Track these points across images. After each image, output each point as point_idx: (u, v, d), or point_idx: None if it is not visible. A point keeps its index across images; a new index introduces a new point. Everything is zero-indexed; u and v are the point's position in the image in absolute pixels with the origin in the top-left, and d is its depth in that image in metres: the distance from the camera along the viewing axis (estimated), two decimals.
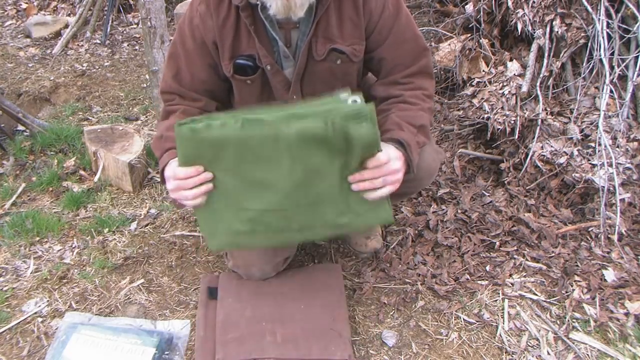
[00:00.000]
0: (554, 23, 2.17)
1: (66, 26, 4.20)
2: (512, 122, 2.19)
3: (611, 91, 2.06)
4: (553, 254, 1.97)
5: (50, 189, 2.37)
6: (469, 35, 2.47)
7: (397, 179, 1.35)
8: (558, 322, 1.74)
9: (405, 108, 1.50)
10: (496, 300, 1.82)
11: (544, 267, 1.93)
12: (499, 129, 2.22)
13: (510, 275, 1.91)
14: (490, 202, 2.21)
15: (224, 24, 1.44)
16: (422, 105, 1.52)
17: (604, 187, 1.98)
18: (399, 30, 1.49)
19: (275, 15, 1.36)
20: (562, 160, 2.10)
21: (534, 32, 2.21)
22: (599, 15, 2.07)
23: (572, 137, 2.11)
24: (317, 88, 1.54)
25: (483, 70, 2.38)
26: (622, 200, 2.00)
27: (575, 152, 2.09)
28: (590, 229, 2.04)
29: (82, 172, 2.47)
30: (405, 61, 1.53)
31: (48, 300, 1.82)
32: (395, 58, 1.52)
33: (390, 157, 1.33)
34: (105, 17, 4.24)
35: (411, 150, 1.40)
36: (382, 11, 1.45)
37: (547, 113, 2.18)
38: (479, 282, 1.89)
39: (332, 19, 1.44)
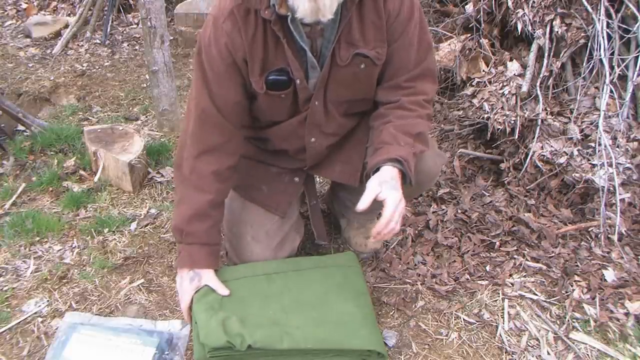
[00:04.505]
0: (554, 23, 2.17)
1: (66, 26, 4.21)
2: (512, 122, 2.19)
3: (611, 91, 2.06)
4: (553, 254, 1.97)
5: (50, 189, 2.37)
6: (469, 35, 2.47)
7: (402, 209, 1.44)
8: (558, 322, 1.74)
9: (402, 115, 1.51)
10: (496, 300, 1.82)
11: (544, 267, 1.93)
12: (499, 129, 2.22)
13: (510, 275, 1.91)
14: (490, 202, 2.21)
15: (253, 39, 1.41)
16: (420, 111, 1.53)
17: (604, 187, 1.98)
18: (409, 35, 1.49)
19: (303, 19, 1.33)
20: (562, 160, 2.10)
21: (534, 32, 2.21)
22: (599, 15, 2.07)
23: (572, 137, 2.11)
24: (340, 93, 1.54)
25: (483, 70, 2.38)
26: (622, 200, 2.00)
27: (575, 152, 2.09)
28: (590, 229, 2.04)
29: (82, 172, 2.47)
30: (409, 65, 1.53)
31: (48, 300, 1.82)
32: (401, 62, 1.52)
33: (392, 203, 1.40)
34: (105, 17, 4.25)
35: (409, 166, 1.44)
36: (398, 14, 1.45)
37: (547, 113, 2.18)
38: (479, 282, 1.89)
39: (354, 24, 1.43)
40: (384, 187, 1.41)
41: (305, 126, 1.59)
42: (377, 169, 1.46)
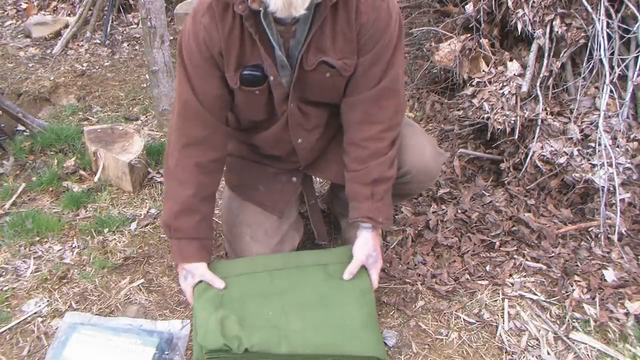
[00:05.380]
0: (554, 23, 2.17)
1: (66, 26, 4.21)
2: (512, 122, 2.19)
3: (611, 91, 2.06)
4: (553, 254, 1.98)
5: (50, 189, 2.37)
6: (469, 35, 2.47)
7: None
8: (558, 322, 1.74)
9: (357, 158, 1.58)
10: (496, 300, 1.82)
11: (544, 267, 1.93)
12: (499, 129, 2.22)
13: (510, 275, 1.91)
14: (490, 202, 2.21)
15: (229, 35, 1.42)
16: (372, 148, 1.56)
17: (604, 187, 1.98)
18: (380, 50, 1.46)
19: (275, 13, 1.31)
20: (562, 160, 2.10)
21: (534, 32, 2.21)
22: (599, 15, 2.07)
23: (572, 137, 2.11)
24: (309, 95, 1.54)
25: (483, 70, 2.37)
26: (622, 200, 2.00)
27: (575, 152, 2.09)
28: (590, 229, 2.04)
29: (82, 172, 2.47)
30: (371, 83, 1.51)
31: (48, 300, 1.82)
32: (365, 76, 1.50)
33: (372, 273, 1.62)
34: (105, 17, 4.25)
35: (374, 219, 1.59)
36: (373, 24, 1.42)
37: (547, 113, 2.18)
38: (479, 282, 1.89)
39: (327, 31, 1.42)
40: (369, 260, 1.62)
41: (289, 129, 1.59)
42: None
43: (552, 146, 2.13)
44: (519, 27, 2.24)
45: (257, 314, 1.53)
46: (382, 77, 1.50)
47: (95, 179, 2.40)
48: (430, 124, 2.71)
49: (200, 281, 1.59)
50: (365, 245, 1.61)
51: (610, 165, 1.98)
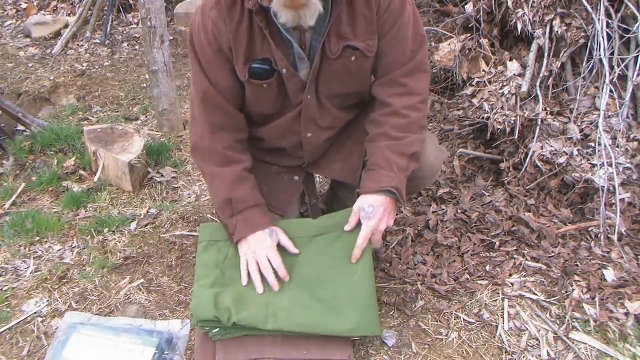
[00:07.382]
0: (554, 23, 2.17)
1: (66, 26, 4.21)
2: (512, 122, 2.19)
3: (611, 91, 2.06)
4: (553, 254, 1.98)
5: (50, 189, 2.37)
6: (469, 35, 2.47)
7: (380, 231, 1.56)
8: (558, 322, 1.74)
9: (397, 125, 1.54)
10: (496, 300, 1.82)
11: (544, 267, 1.93)
12: (499, 129, 2.22)
13: (510, 275, 1.91)
14: (490, 202, 2.21)
15: (237, 29, 1.44)
16: (413, 117, 1.55)
17: (604, 187, 1.98)
18: (401, 28, 1.49)
19: (286, 24, 1.38)
20: (562, 160, 2.10)
21: (534, 32, 2.21)
22: (599, 15, 2.07)
23: (572, 137, 2.11)
24: (332, 87, 1.55)
25: (483, 70, 2.38)
26: (622, 200, 2.00)
27: (575, 152, 2.09)
28: (590, 229, 2.04)
29: (82, 172, 2.47)
30: (403, 59, 1.53)
31: (48, 300, 1.82)
32: (394, 55, 1.53)
33: (368, 232, 1.53)
34: (105, 17, 4.25)
35: (401, 193, 1.52)
36: (389, 5, 1.46)
37: (547, 113, 2.18)
38: (479, 282, 1.89)
39: (344, 17, 1.44)
40: (361, 214, 1.54)
41: (301, 121, 1.60)
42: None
43: (552, 146, 2.13)
44: (519, 27, 2.24)
45: (253, 289, 1.58)
46: (415, 52, 1.53)
47: (95, 179, 2.40)
48: (430, 124, 2.71)
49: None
50: (363, 200, 1.54)
51: (610, 165, 1.98)
